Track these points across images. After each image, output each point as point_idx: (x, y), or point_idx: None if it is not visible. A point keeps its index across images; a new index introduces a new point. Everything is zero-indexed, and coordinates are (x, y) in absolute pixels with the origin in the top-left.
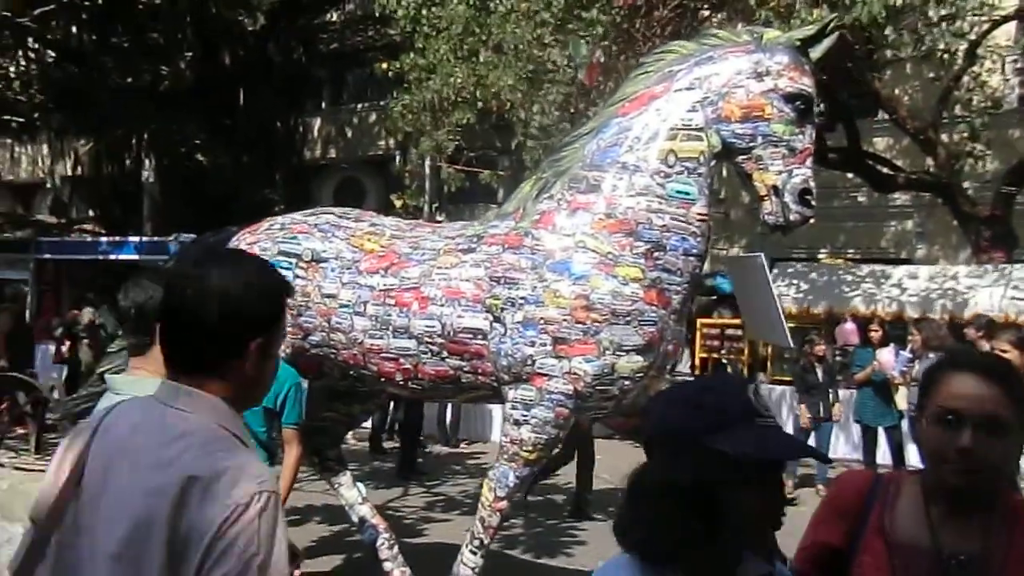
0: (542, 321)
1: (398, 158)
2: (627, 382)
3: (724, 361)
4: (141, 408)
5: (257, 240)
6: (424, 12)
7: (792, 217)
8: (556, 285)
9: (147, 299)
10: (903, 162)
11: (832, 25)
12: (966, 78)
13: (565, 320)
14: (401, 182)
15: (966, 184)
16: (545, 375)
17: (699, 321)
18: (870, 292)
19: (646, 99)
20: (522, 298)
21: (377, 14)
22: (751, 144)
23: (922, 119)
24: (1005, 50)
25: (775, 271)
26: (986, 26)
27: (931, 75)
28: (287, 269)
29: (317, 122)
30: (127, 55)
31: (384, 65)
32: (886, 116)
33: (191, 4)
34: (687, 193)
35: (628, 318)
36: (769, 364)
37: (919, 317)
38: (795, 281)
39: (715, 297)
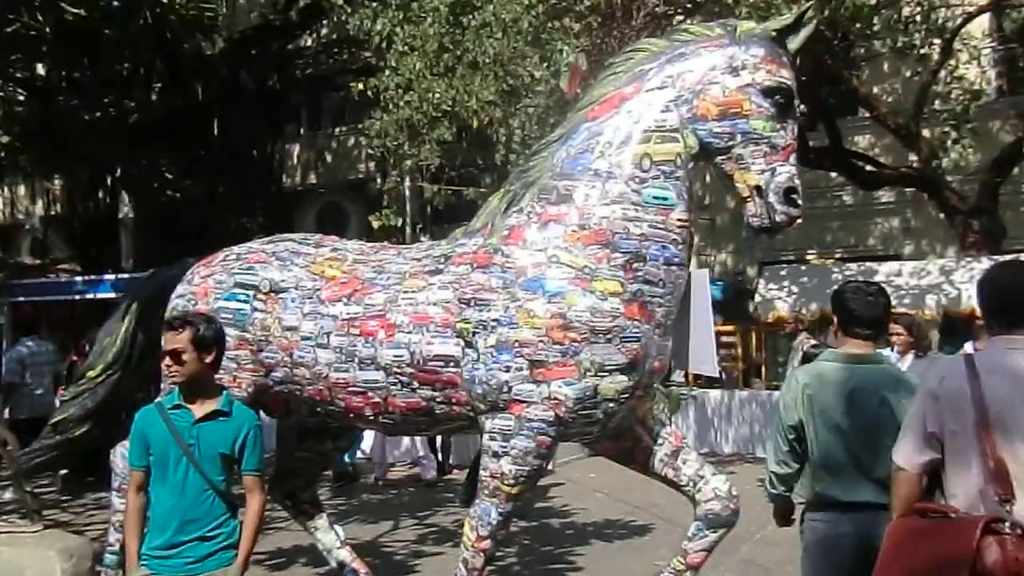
0: (517, 344)
1: (379, 179)
2: (612, 404)
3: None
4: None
5: (212, 272)
6: (399, 30)
7: (778, 218)
8: (530, 304)
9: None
10: (886, 159)
11: (809, 14)
12: (943, 72)
13: (541, 342)
14: (381, 204)
15: (950, 178)
16: (523, 402)
17: None
18: None
19: (616, 101)
20: (494, 320)
21: (351, 34)
22: (730, 143)
23: (903, 115)
24: (980, 42)
25: (765, 275)
26: (960, 20)
27: (908, 73)
28: (244, 302)
29: (296, 148)
30: (91, 88)
31: (360, 86)
32: (867, 114)
33: (145, 29)
34: (665, 198)
35: (609, 336)
36: (764, 370)
37: (900, 313)
38: (785, 284)
39: None
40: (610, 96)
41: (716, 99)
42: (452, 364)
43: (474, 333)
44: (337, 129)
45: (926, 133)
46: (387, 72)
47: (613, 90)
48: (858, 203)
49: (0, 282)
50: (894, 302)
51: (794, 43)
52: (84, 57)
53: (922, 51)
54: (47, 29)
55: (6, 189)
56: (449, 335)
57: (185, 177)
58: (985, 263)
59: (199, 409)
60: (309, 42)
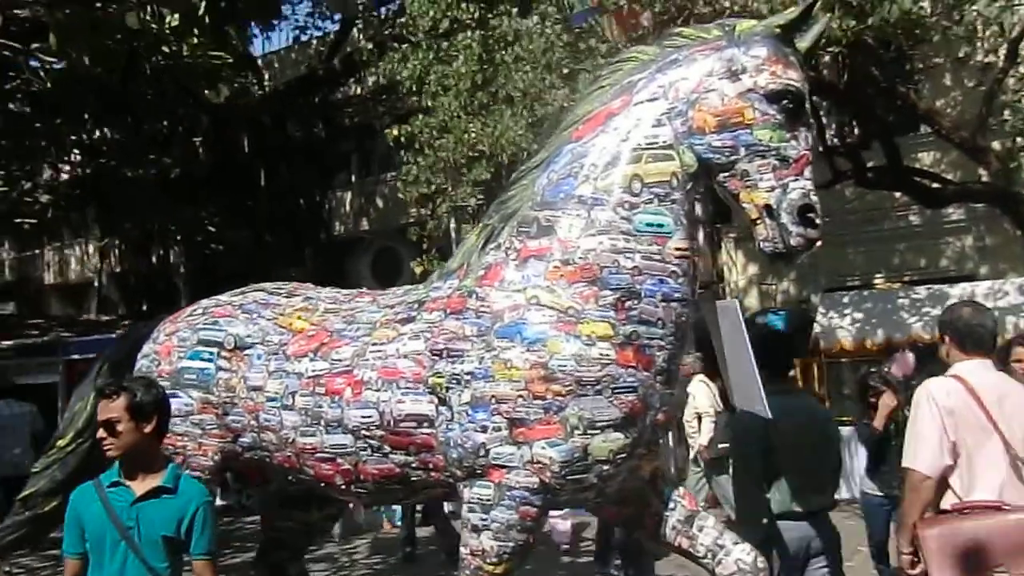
0: (493, 400)
1: (430, 223)
2: (606, 466)
3: None
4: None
5: (176, 329)
6: (431, 70)
7: (793, 241)
8: (506, 354)
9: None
10: (953, 175)
11: (817, 6)
12: (1011, 80)
13: (520, 396)
14: (430, 247)
15: None
16: (502, 467)
17: None
18: (933, 316)
19: (602, 118)
20: (468, 373)
21: (383, 81)
22: (733, 157)
23: (967, 127)
24: None
25: (826, 302)
26: None
27: (971, 83)
28: (208, 361)
29: (348, 195)
30: (133, 146)
31: (395, 131)
32: (928, 129)
33: (150, 81)
34: (660, 225)
35: (599, 387)
36: (828, 404)
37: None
38: (847, 312)
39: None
40: (596, 113)
41: (714, 108)
42: (426, 424)
43: (447, 388)
44: (388, 175)
45: (996, 145)
46: (421, 116)
47: (599, 106)
48: (926, 222)
49: (55, 341)
50: None
51: (804, 41)
52: (125, 116)
53: (985, 60)
54: (48, 84)
55: (77, 249)
56: (421, 391)
57: (231, 228)
58: None
59: (139, 486)
60: (358, 90)
